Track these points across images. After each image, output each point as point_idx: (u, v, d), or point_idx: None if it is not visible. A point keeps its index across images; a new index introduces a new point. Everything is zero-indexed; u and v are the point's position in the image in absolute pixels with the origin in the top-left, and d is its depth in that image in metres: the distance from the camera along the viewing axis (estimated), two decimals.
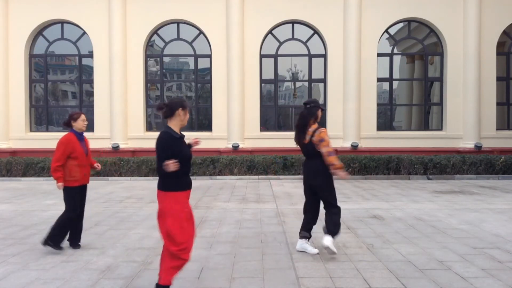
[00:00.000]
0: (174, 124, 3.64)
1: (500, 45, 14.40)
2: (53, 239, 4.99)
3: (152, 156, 12.99)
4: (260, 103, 14.32)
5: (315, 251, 4.86)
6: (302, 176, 5.10)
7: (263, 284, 3.94)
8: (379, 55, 14.23)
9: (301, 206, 7.88)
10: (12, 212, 7.60)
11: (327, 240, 4.63)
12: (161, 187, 3.60)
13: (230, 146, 13.66)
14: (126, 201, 8.63)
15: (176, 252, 3.50)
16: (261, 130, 14.20)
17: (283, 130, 14.83)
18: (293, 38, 14.52)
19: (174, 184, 3.60)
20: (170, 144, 3.53)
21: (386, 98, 15.05)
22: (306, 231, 4.97)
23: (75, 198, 5.14)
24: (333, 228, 4.71)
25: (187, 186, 3.77)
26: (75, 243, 5.19)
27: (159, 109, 3.65)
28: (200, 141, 4.13)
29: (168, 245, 3.51)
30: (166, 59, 15.13)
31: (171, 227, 3.51)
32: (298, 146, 5.04)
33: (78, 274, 4.26)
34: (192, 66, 15.00)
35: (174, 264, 3.54)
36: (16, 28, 14.34)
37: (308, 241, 4.97)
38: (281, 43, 14.46)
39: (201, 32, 14.41)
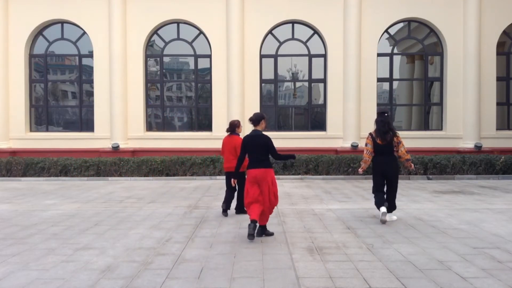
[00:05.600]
0: (260, 129, 5.79)
1: (500, 45, 14.40)
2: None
3: (152, 156, 13.00)
4: (260, 103, 14.32)
5: (394, 218, 6.63)
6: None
7: (263, 284, 3.94)
8: (379, 55, 14.23)
9: (300, 206, 7.92)
10: (12, 212, 7.60)
11: (388, 216, 6.45)
12: (269, 165, 5.64)
13: None
14: (126, 201, 8.63)
15: (276, 203, 5.70)
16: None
17: (283, 130, 14.84)
18: (293, 38, 14.52)
19: (271, 164, 5.77)
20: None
21: (386, 98, 15.05)
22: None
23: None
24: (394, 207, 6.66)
25: None
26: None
27: (250, 120, 5.82)
28: None
29: (274, 201, 5.63)
30: (166, 59, 15.13)
31: (276, 190, 5.68)
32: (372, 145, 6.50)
33: (78, 274, 4.26)
34: (192, 66, 15.00)
35: (271, 211, 5.73)
36: (16, 28, 14.34)
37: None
38: (281, 43, 14.45)
39: (201, 32, 14.41)
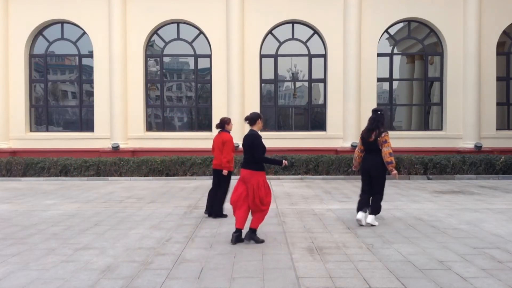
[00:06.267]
0: (257, 128, 5.62)
1: (500, 45, 14.39)
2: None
3: (152, 156, 13.00)
4: (260, 103, 14.32)
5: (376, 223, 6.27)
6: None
7: (263, 284, 3.94)
8: (379, 55, 14.23)
9: (300, 206, 7.91)
10: (12, 212, 7.60)
11: (369, 218, 6.20)
12: (257, 168, 5.38)
13: None
14: (126, 201, 8.63)
15: (263, 208, 5.34)
16: (261, 130, 14.17)
17: (283, 130, 14.84)
18: (293, 38, 14.52)
19: (263, 167, 5.48)
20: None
21: (386, 98, 15.05)
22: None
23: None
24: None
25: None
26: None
27: (246, 119, 5.66)
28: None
29: (259, 205, 5.29)
30: (166, 59, 15.13)
31: (263, 194, 5.32)
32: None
33: (78, 274, 4.26)
34: (192, 66, 15.00)
35: (262, 215, 5.40)
36: (16, 28, 14.34)
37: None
38: (281, 43, 14.45)
39: (201, 32, 14.41)
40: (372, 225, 6.18)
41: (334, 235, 5.73)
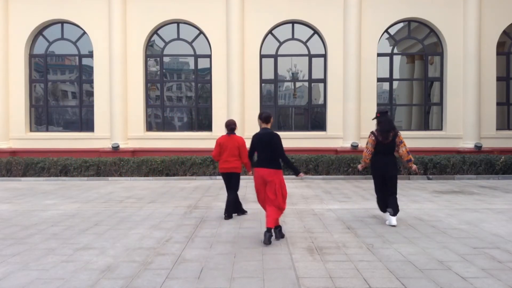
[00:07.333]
0: (270, 127, 5.63)
1: (500, 45, 14.40)
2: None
3: (152, 156, 13.00)
4: (260, 103, 14.32)
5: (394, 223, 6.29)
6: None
7: (263, 284, 3.94)
8: (379, 55, 14.23)
9: (300, 206, 7.91)
10: (12, 212, 7.60)
11: (393, 220, 6.26)
12: (278, 167, 5.49)
13: None
14: (126, 201, 8.63)
15: (283, 206, 5.46)
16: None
17: (283, 130, 14.83)
18: (293, 38, 14.52)
19: (281, 165, 5.57)
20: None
21: (386, 98, 15.05)
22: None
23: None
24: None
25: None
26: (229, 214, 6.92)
27: (260, 118, 5.64)
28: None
29: (282, 203, 5.42)
30: (166, 59, 15.13)
31: (286, 192, 5.50)
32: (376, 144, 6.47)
33: (78, 274, 4.26)
34: (192, 66, 15.00)
35: (279, 214, 5.45)
36: (16, 28, 14.34)
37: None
38: (281, 43, 14.45)
39: (201, 32, 14.41)
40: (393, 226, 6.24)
41: (334, 235, 5.73)
